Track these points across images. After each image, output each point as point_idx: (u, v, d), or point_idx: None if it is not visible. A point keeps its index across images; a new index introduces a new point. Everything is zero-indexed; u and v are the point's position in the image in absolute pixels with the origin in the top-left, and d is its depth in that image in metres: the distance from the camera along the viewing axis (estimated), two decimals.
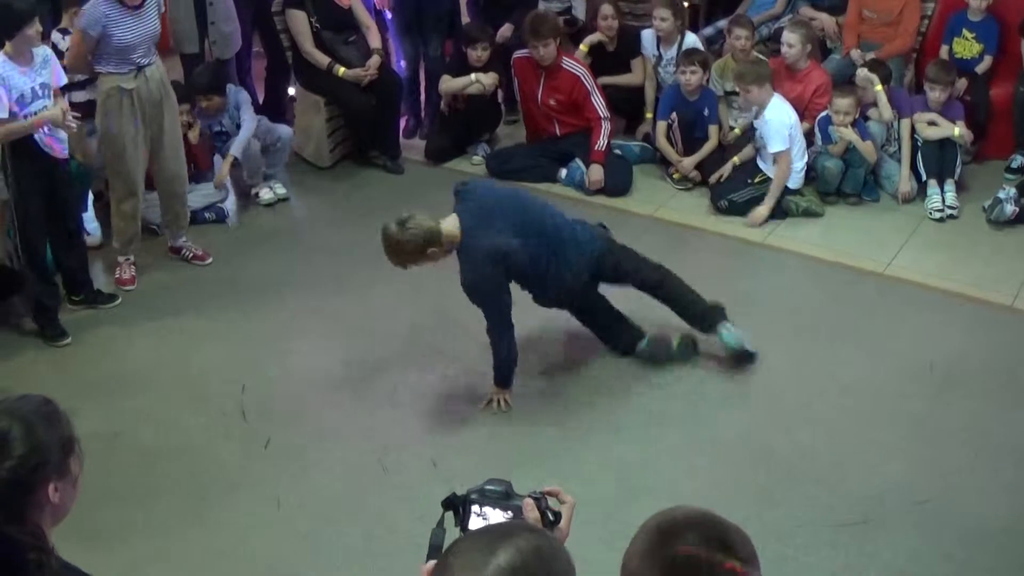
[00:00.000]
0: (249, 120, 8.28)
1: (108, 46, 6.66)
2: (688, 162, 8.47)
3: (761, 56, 8.59)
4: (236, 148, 8.15)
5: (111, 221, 7.26)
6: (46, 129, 6.27)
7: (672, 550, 1.95)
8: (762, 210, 7.95)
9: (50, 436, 2.52)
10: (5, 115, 6.04)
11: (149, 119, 6.90)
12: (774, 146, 7.85)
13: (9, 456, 2.44)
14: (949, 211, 7.93)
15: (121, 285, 7.23)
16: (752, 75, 7.91)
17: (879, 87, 8.12)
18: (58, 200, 6.52)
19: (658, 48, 8.98)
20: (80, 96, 7.46)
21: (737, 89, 8.16)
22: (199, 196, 7.89)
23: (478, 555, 1.82)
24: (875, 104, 8.19)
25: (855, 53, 8.71)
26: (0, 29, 6.07)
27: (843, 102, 7.94)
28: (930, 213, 7.94)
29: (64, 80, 6.57)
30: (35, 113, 6.17)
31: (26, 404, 2.57)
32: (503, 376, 5.92)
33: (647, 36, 9.06)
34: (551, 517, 2.37)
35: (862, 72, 8.24)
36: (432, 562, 1.93)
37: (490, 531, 1.93)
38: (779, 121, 7.86)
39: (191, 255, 7.54)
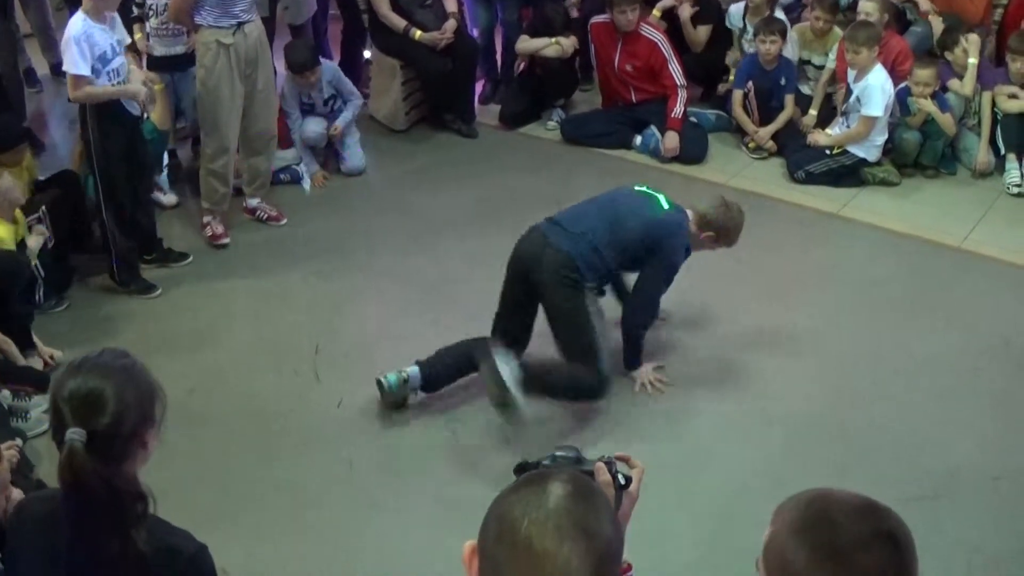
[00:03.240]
0: (353, 95, 8.40)
1: None
2: (764, 132, 8.43)
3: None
4: (341, 121, 8.26)
5: (200, 179, 7.26)
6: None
7: (842, 540, 1.91)
8: (820, 137, 8.09)
9: (137, 388, 2.57)
10: (88, 72, 6.09)
11: (244, 76, 6.91)
12: (872, 109, 7.77)
13: (105, 413, 2.49)
14: None
15: (215, 240, 7.30)
16: (863, 36, 7.79)
17: (973, 59, 8.01)
18: (138, 159, 6.58)
19: (744, 19, 8.90)
20: (161, 50, 7.51)
21: (845, 50, 8.02)
22: (275, 159, 7.93)
23: (532, 495, 1.85)
24: (956, 75, 8.09)
25: (935, 20, 8.59)
26: None
27: (924, 73, 7.84)
28: (1008, 188, 7.84)
29: (129, 39, 6.63)
30: (116, 71, 6.22)
31: (109, 359, 2.61)
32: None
33: (735, 8, 9.00)
34: (621, 481, 2.37)
35: (970, 40, 8.11)
36: (471, 543, 1.94)
37: (525, 479, 1.95)
38: (882, 87, 7.79)
39: (266, 216, 7.59)
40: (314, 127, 8.28)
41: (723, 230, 5.69)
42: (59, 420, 2.50)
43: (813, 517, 1.96)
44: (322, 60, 8.37)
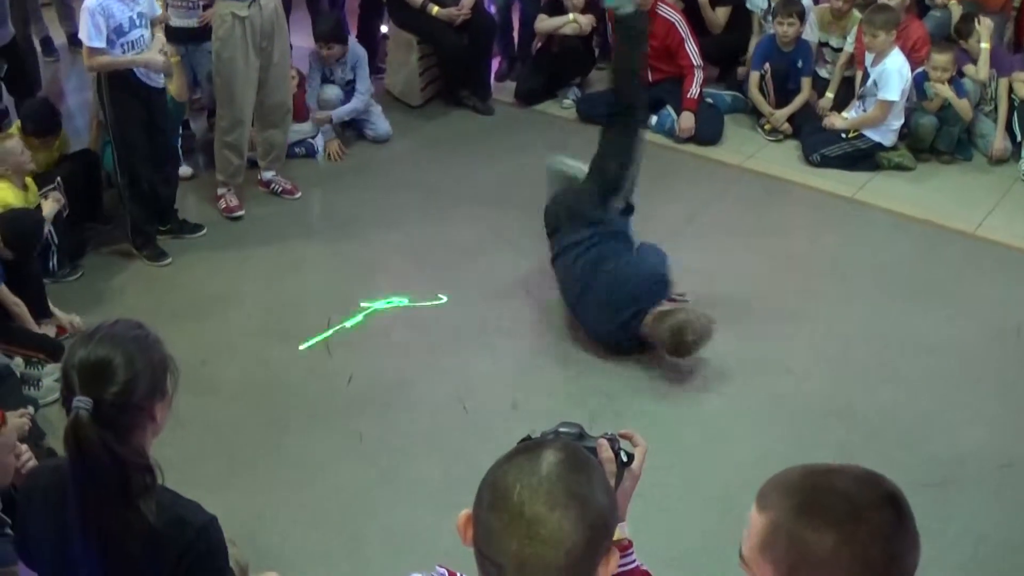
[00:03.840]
0: (363, 93, 8.37)
1: None
2: (780, 114, 8.41)
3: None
4: (339, 114, 8.28)
5: (215, 152, 7.27)
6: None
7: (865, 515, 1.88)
8: (837, 120, 8.06)
9: (149, 359, 2.57)
10: (103, 44, 6.11)
11: (260, 49, 6.91)
12: (889, 94, 7.75)
13: (114, 382, 2.49)
14: None
15: (229, 213, 7.31)
16: (881, 20, 7.76)
17: (985, 44, 7.98)
18: (155, 129, 6.59)
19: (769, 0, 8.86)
20: (178, 22, 7.52)
21: (864, 33, 7.98)
22: (291, 132, 7.92)
23: (525, 463, 1.87)
24: (972, 61, 8.06)
25: (955, 6, 8.56)
26: None
27: (941, 58, 7.82)
28: (1023, 175, 7.82)
29: (159, 11, 6.63)
30: (132, 43, 6.23)
31: (122, 329, 2.61)
32: None
33: None
34: (624, 458, 2.37)
35: (982, 24, 8.08)
36: (467, 511, 1.95)
37: (519, 448, 1.96)
38: (899, 72, 7.77)
39: (280, 189, 7.60)
40: (331, 92, 8.30)
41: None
42: (68, 388, 2.51)
43: (818, 495, 1.91)
44: (356, 44, 8.47)
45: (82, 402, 2.45)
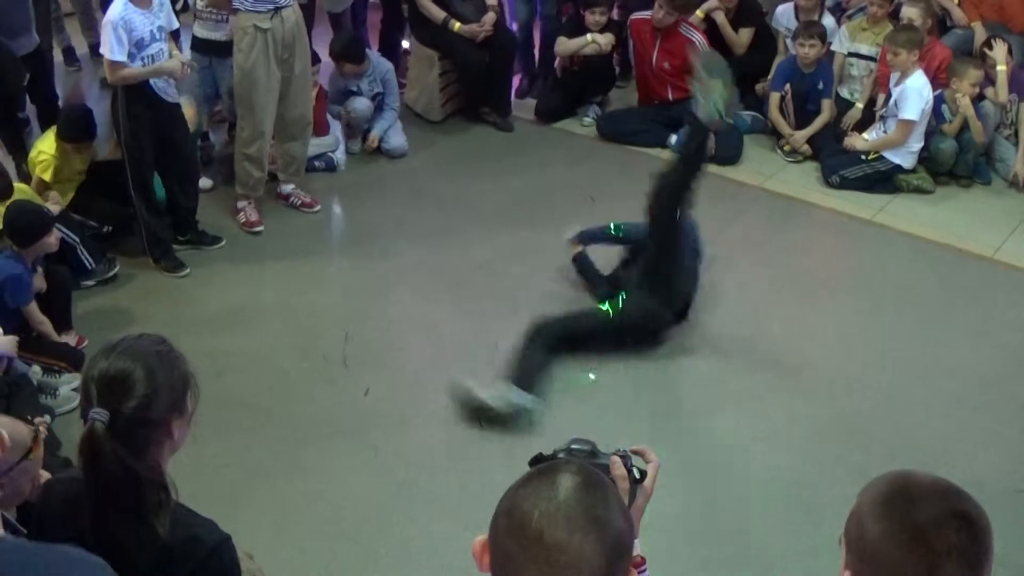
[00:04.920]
0: (393, 107, 8.52)
1: None
2: (800, 135, 8.41)
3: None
4: (377, 129, 8.43)
5: (235, 164, 7.28)
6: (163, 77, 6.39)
7: (919, 516, 1.97)
8: (857, 141, 8.09)
9: (169, 375, 2.58)
10: (124, 58, 6.14)
11: (281, 61, 6.92)
12: (908, 113, 7.74)
13: (132, 396, 2.50)
14: None
15: (249, 228, 7.31)
16: (904, 38, 7.77)
17: (1003, 67, 7.97)
18: (173, 143, 6.61)
19: (797, 19, 8.85)
20: (204, 34, 7.55)
21: (886, 51, 8.00)
22: (310, 146, 7.95)
23: (543, 487, 1.86)
24: (992, 84, 8.05)
25: (978, 27, 8.56)
26: None
27: (975, 72, 7.84)
28: None
29: (176, 24, 6.67)
30: (152, 56, 6.26)
31: (145, 344, 2.62)
32: None
33: (783, 10, 8.97)
34: (636, 475, 2.37)
35: (996, 47, 8.07)
36: (481, 537, 1.95)
37: (534, 472, 1.95)
38: (919, 92, 7.76)
39: (300, 202, 7.61)
40: (359, 103, 8.38)
41: None
42: (86, 399, 2.51)
43: (893, 493, 2.01)
44: (381, 59, 8.59)
45: (99, 414, 2.46)
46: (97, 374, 2.52)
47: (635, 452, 2.44)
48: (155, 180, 6.76)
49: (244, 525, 2.78)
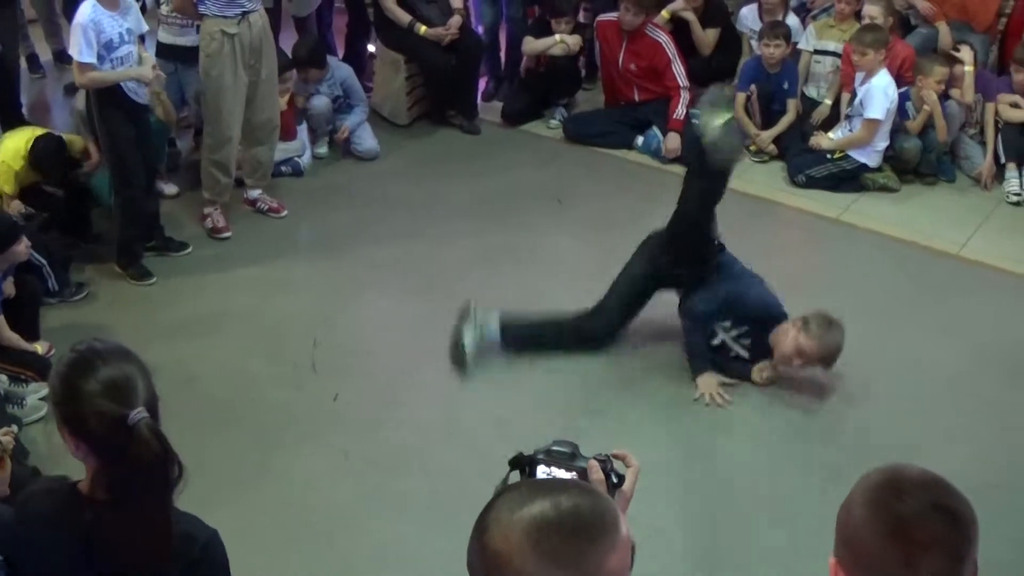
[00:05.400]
0: (361, 103, 8.60)
1: None
2: (766, 135, 8.44)
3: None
4: (349, 123, 8.47)
5: (202, 170, 7.24)
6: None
7: (901, 507, 1.99)
8: (823, 140, 8.11)
9: (145, 371, 2.56)
10: (94, 60, 6.11)
11: (248, 66, 6.90)
12: (873, 112, 7.79)
13: (140, 393, 2.49)
14: None
15: (216, 234, 7.28)
16: (870, 38, 7.82)
17: (969, 67, 8.02)
18: (142, 146, 6.57)
19: (761, 20, 8.87)
20: (169, 39, 7.51)
21: (852, 52, 8.03)
22: (277, 151, 7.92)
23: (519, 499, 1.85)
24: (957, 85, 8.10)
25: (942, 26, 8.61)
26: None
27: (942, 70, 7.91)
28: (1007, 196, 7.87)
29: (145, 28, 6.63)
30: (120, 59, 6.24)
31: (114, 345, 2.60)
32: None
33: (747, 11, 9.00)
34: (615, 479, 2.37)
35: (963, 50, 8.14)
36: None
37: (545, 483, 1.98)
38: (884, 91, 7.81)
39: (266, 207, 7.59)
40: (319, 101, 8.40)
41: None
42: (113, 402, 2.45)
43: (882, 483, 2.05)
44: (339, 63, 8.61)
45: (141, 413, 2.44)
46: (107, 381, 2.47)
47: (616, 456, 2.43)
48: (103, 180, 6.76)
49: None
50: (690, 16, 8.96)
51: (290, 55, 8.14)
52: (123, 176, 6.52)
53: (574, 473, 2.35)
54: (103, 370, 2.49)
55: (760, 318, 5.84)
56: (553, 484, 1.99)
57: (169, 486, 2.54)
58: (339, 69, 8.54)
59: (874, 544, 1.98)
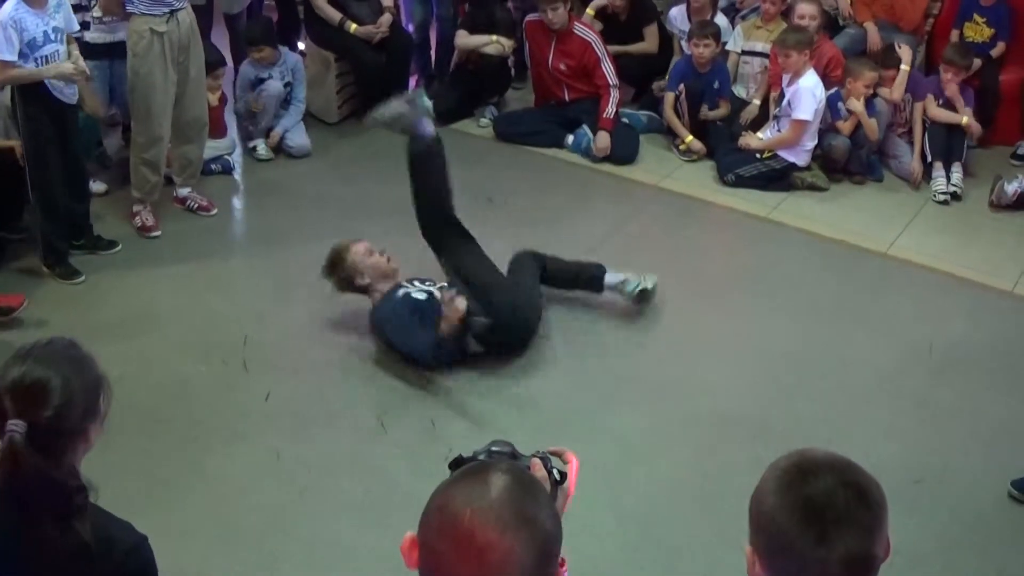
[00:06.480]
0: (301, 101, 8.59)
1: None
2: (703, 116, 8.52)
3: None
4: (280, 127, 8.46)
5: (131, 169, 7.17)
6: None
7: (809, 488, 2.04)
8: (752, 140, 8.19)
9: (83, 381, 2.54)
10: (14, 58, 6.05)
11: (177, 64, 6.85)
12: (801, 113, 7.86)
13: (48, 405, 2.45)
14: (954, 193, 7.94)
15: (146, 232, 7.21)
16: (793, 40, 7.90)
17: (906, 67, 8.14)
18: (68, 145, 6.50)
19: (690, 21, 8.92)
20: (96, 37, 7.43)
21: (778, 53, 8.13)
22: (207, 149, 7.87)
23: (475, 486, 1.88)
24: (886, 84, 8.20)
25: (870, 26, 8.71)
26: None
27: (870, 74, 8.02)
28: (935, 195, 7.96)
29: (76, 26, 6.56)
30: (46, 58, 6.17)
31: (57, 349, 2.58)
32: None
33: (676, 12, 9.05)
34: (557, 477, 2.38)
35: (902, 50, 8.25)
36: (410, 534, 1.95)
37: (466, 471, 1.98)
38: (812, 92, 7.89)
39: (196, 205, 7.54)
40: (272, 85, 8.38)
41: None
42: (0, 410, 2.46)
43: (789, 467, 2.10)
44: (288, 51, 8.64)
45: (17, 426, 2.40)
46: (10, 383, 2.46)
47: (553, 453, 2.44)
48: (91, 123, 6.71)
49: (146, 532, 2.74)
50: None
51: (244, 38, 8.26)
52: (41, 174, 6.44)
53: None
54: (16, 371, 2.48)
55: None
56: (479, 465, 2.04)
57: (65, 512, 2.47)
58: (289, 56, 8.55)
59: (787, 526, 2.02)
